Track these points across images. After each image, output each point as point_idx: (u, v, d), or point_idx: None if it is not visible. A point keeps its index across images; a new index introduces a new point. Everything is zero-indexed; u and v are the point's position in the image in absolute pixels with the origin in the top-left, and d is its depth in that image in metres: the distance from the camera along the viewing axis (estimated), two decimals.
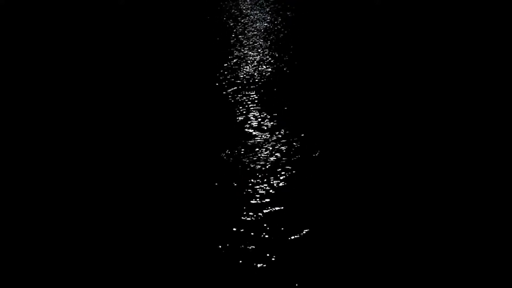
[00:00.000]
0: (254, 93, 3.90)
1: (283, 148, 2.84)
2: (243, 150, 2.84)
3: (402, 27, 5.96)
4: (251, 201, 2.26)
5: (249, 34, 6.19)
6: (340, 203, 2.20)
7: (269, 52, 5.22)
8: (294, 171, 2.54)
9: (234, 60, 4.95)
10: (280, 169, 2.57)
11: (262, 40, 5.78)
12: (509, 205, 2.10)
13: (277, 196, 2.30)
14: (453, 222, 2.01)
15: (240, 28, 6.60)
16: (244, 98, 3.79)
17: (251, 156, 2.75)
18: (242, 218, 2.12)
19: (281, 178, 2.47)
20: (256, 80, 4.24)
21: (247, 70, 4.59)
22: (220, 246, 1.93)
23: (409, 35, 5.54)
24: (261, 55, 5.12)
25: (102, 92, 4.05)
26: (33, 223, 2.15)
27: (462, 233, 1.93)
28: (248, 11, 7.97)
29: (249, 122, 3.29)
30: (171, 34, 6.39)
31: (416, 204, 2.16)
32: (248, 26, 6.70)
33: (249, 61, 4.89)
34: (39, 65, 4.99)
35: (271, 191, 2.35)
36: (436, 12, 6.69)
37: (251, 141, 2.96)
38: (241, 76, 4.40)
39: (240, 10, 7.99)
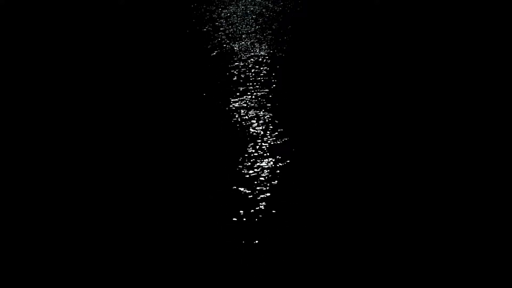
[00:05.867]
0: (251, 92, 3.92)
1: (280, 146, 2.85)
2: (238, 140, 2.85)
3: (402, 27, 5.97)
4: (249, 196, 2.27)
5: (246, 32, 6.20)
6: (338, 202, 2.22)
7: (266, 51, 5.23)
8: (294, 172, 2.55)
9: (232, 57, 4.96)
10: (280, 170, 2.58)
11: (260, 37, 5.80)
12: (509, 205, 2.12)
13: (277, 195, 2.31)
14: (447, 217, 2.03)
15: (237, 27, 6.62)
16: (242, 97, 3.80)
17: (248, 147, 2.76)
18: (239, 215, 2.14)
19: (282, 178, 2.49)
20: (254, 79, 4.25)
21: (246, 69, 4.60)
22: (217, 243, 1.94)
23: (408, 34, 5.56)
24: (259, 52, 5.14)
25: (102, 92, 4.06)
26: (33, 223, 2.16)
27: (454, 230, 1.95)
28: (245, 11, 7.99)
29: (246, 120, 3.30)
30: (171, 34, 6.40)
31: (412, 204, 2.18)
32: (246, 24, 6.71)
33: (247, 61, 4.90)
34: (39, 65, 5.00)
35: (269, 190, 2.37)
36: (435, 11, 6.70)
37: (248, 137, 2.97)
38: (239, 75, 4.41)
39: (236, 11, 8.00)
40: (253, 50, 5.38)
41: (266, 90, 3.99)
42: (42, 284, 1.76)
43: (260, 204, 2.26)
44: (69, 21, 7.41)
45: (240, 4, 8.71)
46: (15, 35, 6.48)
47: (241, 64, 4.83)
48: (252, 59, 4.98)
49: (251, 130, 3.17)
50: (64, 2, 8.72)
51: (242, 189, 2.40)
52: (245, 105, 3.65)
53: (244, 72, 4.53)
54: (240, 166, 2.65)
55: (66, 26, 7.03)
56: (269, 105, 3.63)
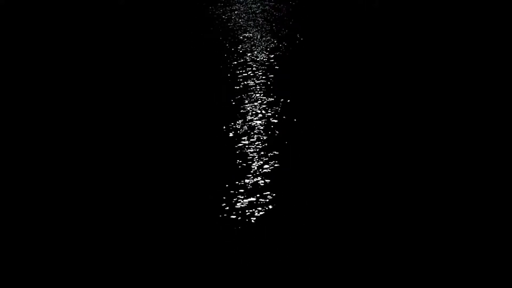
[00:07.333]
0: (252, 93, 3.93)
1: (279, 148, 2.86)
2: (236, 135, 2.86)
3: (401, 29, 5.99)
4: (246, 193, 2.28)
5: (246, 32, 6.21)
6: (336, 201, 2.23)
7: (265, 53, 5.24)
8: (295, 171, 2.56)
9: (232, 58, 4.97)
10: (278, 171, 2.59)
11: (258, 36, 5.80)
12: (509, 205, 2.13)
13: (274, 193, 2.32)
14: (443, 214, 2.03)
15: (236, 27, 6.63)
16: (243, 97, 3.81)
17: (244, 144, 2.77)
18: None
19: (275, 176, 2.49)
20: (254, 80, 4.26)
21: (245, 70, 4.61)
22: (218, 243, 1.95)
23: (407, 36, 5.57)
24: (258, 53, 5.14)
25: (102, 92, 4.07)
26: (33, 223, 2.17)
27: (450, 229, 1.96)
28: (243, 9, 7.99)
29: (244, 121, 3.31)
30: (171, 34, 6.41)
31: (413, 204, 2.19)
32: (245, 25, 6.72)
33: (246, 62, 4.91)
34: (39, 65, 5.00)
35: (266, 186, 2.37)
36: (435, 13, 6.72)
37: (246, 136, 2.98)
38: (238, 75, 4.42)
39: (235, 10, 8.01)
40: (252, 52, 5.39)
41: (267, 91, 4.00)
42: (42, 284, 1.76)
43: (261, 204, 2.26)
44: (69, 21, 7.41)
45: (241, 5, 8.72)
46: (15, 35, 6.48)
47: (241, 64, 4.84)
48: (251, 61, 4.99)
49: (253, 129, 3.18)
50: (64, 2, 8.73)
51: (242, 189, 2.41)
52: (246, 105, 3.66)
53: (244, 73, 4.54)
54: (241, 166, 2.66)
55: (66, 26, 7.03)
56: (271, 106, 3.64)
